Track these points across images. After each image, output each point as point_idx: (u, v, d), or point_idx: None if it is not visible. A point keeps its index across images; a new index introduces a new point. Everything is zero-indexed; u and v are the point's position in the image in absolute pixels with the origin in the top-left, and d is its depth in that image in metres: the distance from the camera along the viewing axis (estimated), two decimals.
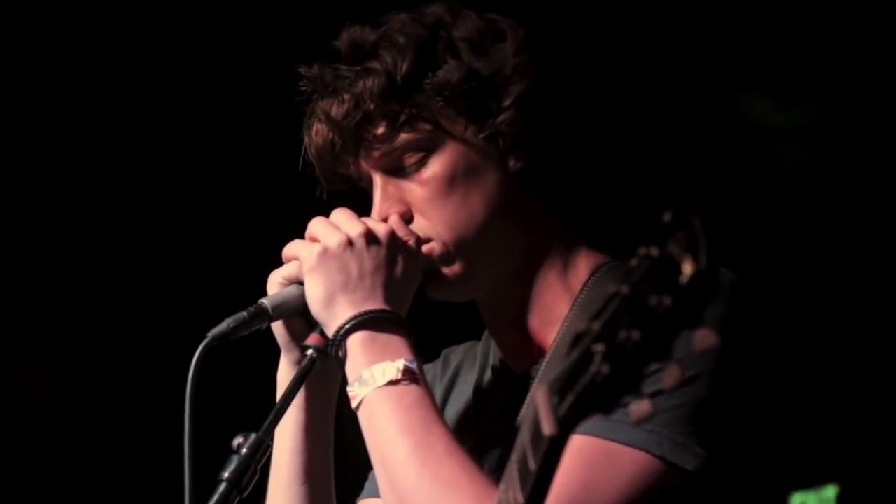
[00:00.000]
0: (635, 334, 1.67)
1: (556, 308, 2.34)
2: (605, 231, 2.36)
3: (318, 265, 2.21)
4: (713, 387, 2.09)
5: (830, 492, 3.16)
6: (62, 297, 4.36)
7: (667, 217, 1.68)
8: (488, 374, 2.43)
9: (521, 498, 1.89)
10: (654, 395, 1.71)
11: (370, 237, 2.22)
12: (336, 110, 2.28)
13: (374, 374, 2.17)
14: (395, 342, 2.19)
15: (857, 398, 4.06)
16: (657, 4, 3.63)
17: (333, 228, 2.23)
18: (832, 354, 3.83)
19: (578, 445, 1.96)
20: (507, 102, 2.25)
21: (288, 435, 2.37)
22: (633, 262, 1.70)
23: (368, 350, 2.18)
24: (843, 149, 3.80)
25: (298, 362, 2.31)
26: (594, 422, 1.76)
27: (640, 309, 1.68)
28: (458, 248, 2.28)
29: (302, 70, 2.30)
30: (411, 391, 2.17)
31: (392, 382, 2.16)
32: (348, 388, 2.19)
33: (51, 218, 4.23)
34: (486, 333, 2.46)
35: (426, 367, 2.50)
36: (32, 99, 4.10)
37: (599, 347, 1.71)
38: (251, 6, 3.88)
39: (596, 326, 1.72)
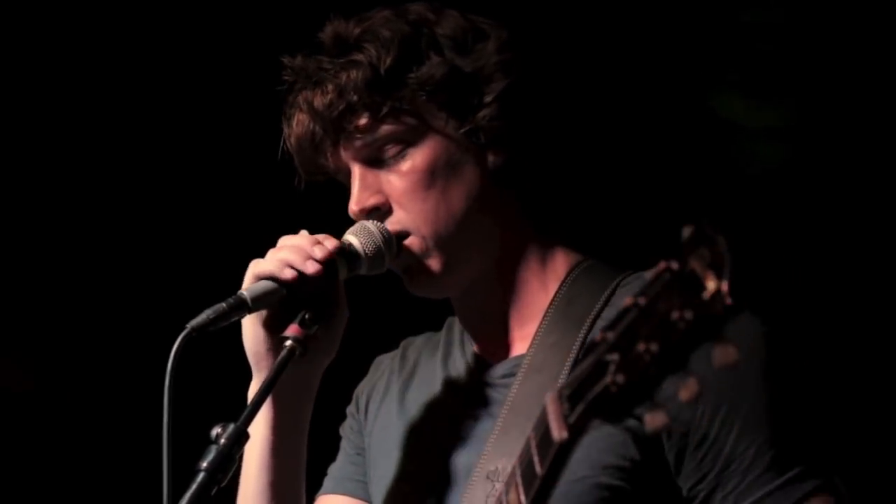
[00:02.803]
0: (653, 346, 1.70)
1: (534, 304, 2.38)
2: (580, 230, 2.40)
3: None
4: None
5: None
6: (39, 290, 4.32)
7: (687, 232, 1.71)
8: (458, 364, 2.47)
9: (524, 500, 1.96)
10: (668, 406, 1.73)
11: None
12: (319, 101, 2.31)
13: None
14: None
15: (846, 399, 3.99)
16: (633, 8, 3.66)
17: None
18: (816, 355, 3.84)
19: None
20: (488, 98, 2.29)
21: (254, 456, 2.43)
22: (650, 274, 1.73)
23: None
24: (817, 149, 3.82)
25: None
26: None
27: (659, 321, 1.71)
28: (437, 242, 2.31)
29: (285, 60, 2.33)
30: None
31: None
32: None
33: (27, 213, 4.18)
34: (448, 323, 2.51)
35: (384, 357, 2.63)
36: (16, 96, 4.06)
37: (614, 357, 1.74)
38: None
39: (611, 336, 1.75)
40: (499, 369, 2.41)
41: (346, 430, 2.64)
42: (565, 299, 2.36)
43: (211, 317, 2.19)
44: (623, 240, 1.90)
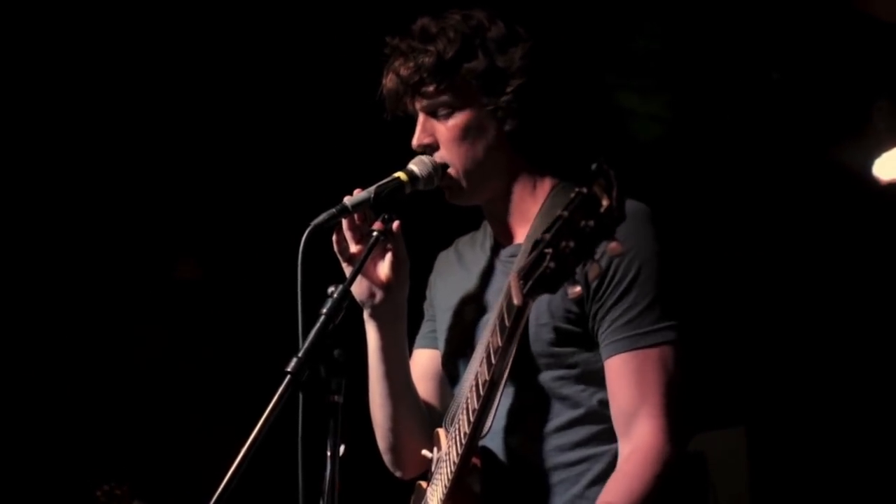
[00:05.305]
0: (571, 243, 2.11)
1: (528, 211, 2.83)
2: (558, 167, 2.88)
3: None
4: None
5: None
6: (211, 209, 5.10)
7: (593, 167, 2.09)
8: (486, 248, 2.93)
9: (499, 342, 2.45)
10: (581, 283, 2.22)
11: None
12: (404, 70, 2.79)
13: None
14: None
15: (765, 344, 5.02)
16: (577, 37, 4.63)
17: None
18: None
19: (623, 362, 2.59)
20: (509, 90, 2.76)
21: (374, 366, 2.85)
22: (571, 195, 2.11)
23: None
24: (682, 130, 4.98)
25: (372, 315, 2.84)
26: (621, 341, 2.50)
27: (575, 227, 2.10)
28: (465, 173, 2.79)
29: (388, 39, 2.84)
30: None
31: None
32: None
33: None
34: (483, 224, 2.97)
35: (443, 252, 3.06)
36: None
37: (549, 250, 2.17)
38: None
39: (547, 237, 2.18)
40: (507, 251, 2.88)
41: (425, 305, 3.08)
42: (546, 209, 2.79)
43: (326, 217, 2.66)
44: (582, 172, 2.17)
